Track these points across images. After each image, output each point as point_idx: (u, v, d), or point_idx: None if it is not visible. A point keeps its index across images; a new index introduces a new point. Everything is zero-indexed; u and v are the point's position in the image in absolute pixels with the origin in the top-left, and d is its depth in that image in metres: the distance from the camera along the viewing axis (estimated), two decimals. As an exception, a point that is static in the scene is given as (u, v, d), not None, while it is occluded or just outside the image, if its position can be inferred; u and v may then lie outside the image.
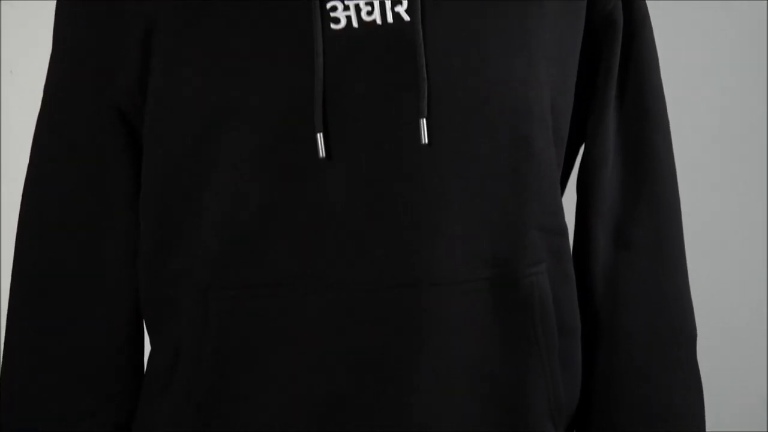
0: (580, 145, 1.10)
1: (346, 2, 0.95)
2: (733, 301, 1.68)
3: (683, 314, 1.07)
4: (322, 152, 0.93)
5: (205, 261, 0.97)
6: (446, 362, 0.96)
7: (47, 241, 1.03)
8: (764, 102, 1.65)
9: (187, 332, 0.98)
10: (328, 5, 0.95)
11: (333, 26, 0.95)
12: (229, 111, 0.94)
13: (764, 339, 1.68)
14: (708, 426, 1.15)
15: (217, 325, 0.96)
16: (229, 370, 0.96)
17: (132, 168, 1.02)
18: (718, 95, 1.66)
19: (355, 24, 0.95)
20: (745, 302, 1.69)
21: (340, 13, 0.95)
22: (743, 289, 1.69)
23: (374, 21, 0.95)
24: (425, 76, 0.94)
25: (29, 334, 1.03)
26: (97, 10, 1.00)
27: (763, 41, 1.64)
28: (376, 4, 0.95)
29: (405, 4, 0.95)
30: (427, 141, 0.94)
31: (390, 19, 0.95)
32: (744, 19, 1.64)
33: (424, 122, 0.94)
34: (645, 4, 1.09)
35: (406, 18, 0.95)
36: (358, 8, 0.95)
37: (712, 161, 1.67)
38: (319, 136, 0.93)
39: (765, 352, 1.68)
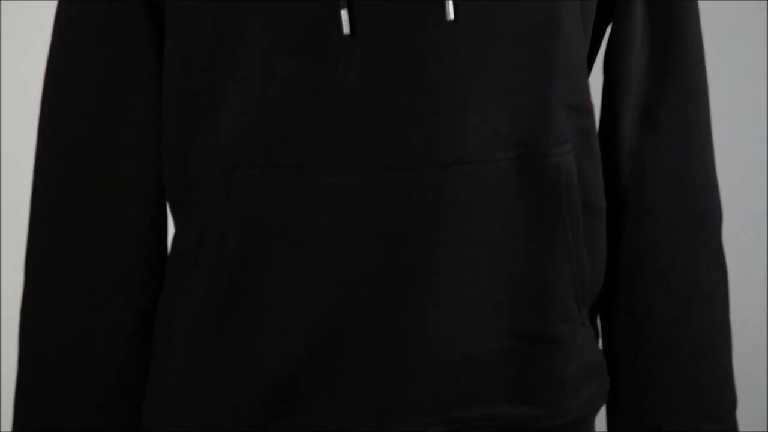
0: (608, 24, 1.08)
1: None
2: (733, 301, 1.68)
3: (709, 195, 1.06)
4: (346, 28, 0.92)
5: (230, 142, 0.96)
6: (471, 240, 0.95)
7: (69, 125, 1.02)
8: (764, 102, 1.66)
9: (212, 213, 0.97)
10: None
11: None
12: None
13: (764, 339, 1.68)
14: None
15: (243, 204, 0.95)
16: (256, 248, 0.95)
17: (155, 50, 1.01)
18: (717, 95, 1.66)
19: None
20: (745, 302, 1.69)
21: None
22: (743, 289, 1.69)
23: None
24: None
25: (50, 215, 1.03)
26: None
27: (764, 41, 1.64)
28: None
29: None
30: (452, 17, 0.93)
31: None
32: (744, 19, 1.64)
33: None
34: None
35: None
36: None
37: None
38: (344, 13, 0.92)
39: (765, 352, 1.69)
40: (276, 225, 0.95)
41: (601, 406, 1.06)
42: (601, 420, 1.15)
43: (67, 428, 1.02)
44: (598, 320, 1.08)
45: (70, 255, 1.03)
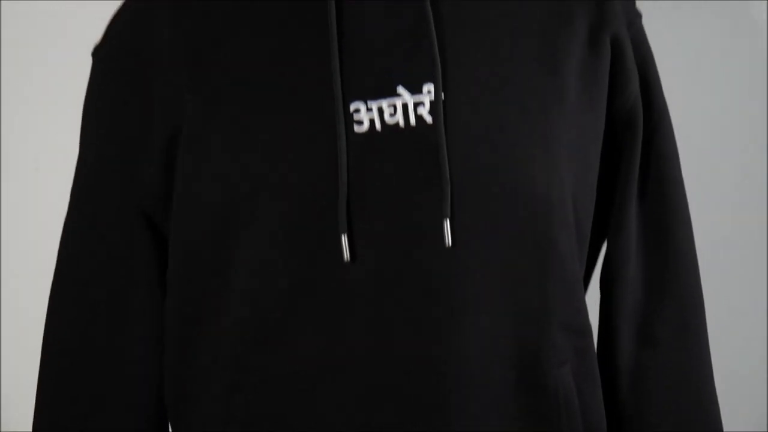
0: (603, 241, 1.11)
1: (369, 104, 0.96)
2: (733, 301, 1.68)
3: (709, 412, 1.07)
4: (346, 255, 0.94)
5: (228, 357, 0.98)
6: None
7: (74, 333, 1.05)
8: (765, 102, 1.65)
9: (210, 426, 0.99)
10: (352, 107, 0.95)
11: (356, 128, 0.95)
12: (250, 210, 0.95)
13: (764, 339, 1.68)
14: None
15: (241, 418, 0.97)
16: None
17: (158, 269, 1.04)
18: (717, 96, 1.66)
19: (378, 127, 0.96)
20: (745, 302, 1.69)
21: (363, 116, 0.96)
22: (743, 289, 1.69)
23: (397, 123, 0.96)
24: (448, 177, 0.94)
25: (54, 417, 1.05)
26: (123, 109, 1.02)
27: (764, 41, 1.64)
28: (399, 106, 0.96)
29: (427, 105, 0.96)
30: (450, 242, 0.94)
31: (413, 120, 0.96)
32: (744, 20, 1.64)
33: (447, 223, 0.94)
34: (664, 99, 1.11)
35: (429, 119, 0.96)
36: (381, 111, 0.96)
37: (711, 162, 1.67)
38: (344, 238, 0.93)
39: (765, 352, 1.68)
40: (275, 427, 0.97)
41: None
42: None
43: None
44: None
45: None
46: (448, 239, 0.94)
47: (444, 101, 0.96)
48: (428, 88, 0.96)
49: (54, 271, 1.08)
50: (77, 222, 1.06)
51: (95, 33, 1.58)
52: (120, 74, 1.03)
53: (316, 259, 0.95)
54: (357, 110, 0.95)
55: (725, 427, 1.62)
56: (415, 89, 0.96)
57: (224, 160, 0.96)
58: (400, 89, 0.96)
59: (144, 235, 1.04)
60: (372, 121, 0.95)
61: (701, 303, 1.11)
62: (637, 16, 1.10)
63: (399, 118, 0.96)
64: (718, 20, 1.65)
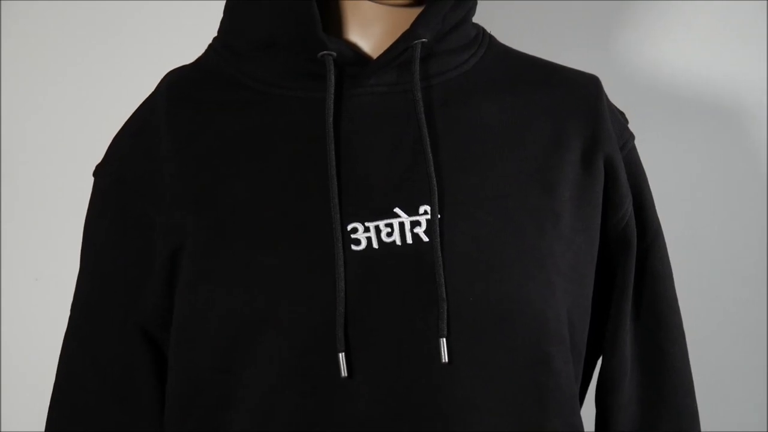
0: (598, 357, 1.13)
1: (366, 224, 0.97)
2: (733, 301, 1.68)
3: None
4: (344, 371, 0.95)
5: None
6: None
7: None
8: (765, 103, 1.65)
9: None
10: (349, 227, 0.97)
11: (354, 247, 0.97)
12: (252, 331, 0.97)
13: (764, 339, 1.68)
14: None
15: None
16: None
17: (157, 384, 1.06)
18: (717, 96, 1.66)
19: (375, 245, 0.97)
20: (745, 302, 1.69)
21: (360, 235, 0.97)
22: (743, 289, 1.68)
23: (394, 242, 0.97)
24: (444, 295, 0.95)
25: None
26: (124, 228, 1.04)
27: (764, 41, 1.64)
28: (396, 226, 0.97)
29: (424, 225, 0.98)
30: (447, 360, 0.95)
31: (409, 240, 0.97)
32: (744, 20, 1.64)
33: (444, 342, 0.95)
34: (657, 218, 1.13)
35: (425, 239, 0.97)
36: (378, 230, 0.97)
37: (711, 160, 1.67)
38: (341, 356, 0.95)
39: (765, 352, 1.68)
40: None
41: None
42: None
43: None
44: None
45: None
46: (445, 356, 0.95)
47: (440, 220, 0.98)
48: (425, 208, 0.98)
49: (54, 381, 1.10)
50: (76, 337, 1.09)
51: (96, 33, 1.58)
52: (121, 193, 1.05)
53: (315, 377, 0.96)
54: (354, 230, 0.97)
55: (726, 427, 1.62)
56: (412, 210, 0.98)
57: (228, 289, 0.98)
58: (397, 210, 0.98)
59: (143, 349, 1.05)
60: (369, 240, 0.97)
61: (696, 419, 1.13)
62: (630, 136, 1.12)
63: (396, 237, 0.97)
64: (718, 20, 1.65)
